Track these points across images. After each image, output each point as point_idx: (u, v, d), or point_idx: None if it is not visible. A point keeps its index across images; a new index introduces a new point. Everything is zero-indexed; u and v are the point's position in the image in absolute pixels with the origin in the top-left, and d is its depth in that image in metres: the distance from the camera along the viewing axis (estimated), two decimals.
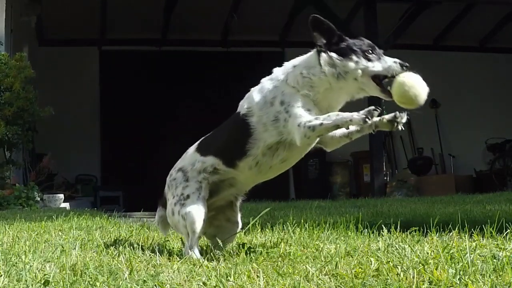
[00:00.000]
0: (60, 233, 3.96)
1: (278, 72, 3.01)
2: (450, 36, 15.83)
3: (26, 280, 2.22)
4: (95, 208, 9.57)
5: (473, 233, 3.03)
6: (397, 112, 2.87)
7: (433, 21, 14.45)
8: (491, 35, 15.94)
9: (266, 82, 3.02)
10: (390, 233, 3.34)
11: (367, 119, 2.71)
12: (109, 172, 14.38)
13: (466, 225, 3.27)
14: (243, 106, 3.01)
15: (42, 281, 2.20)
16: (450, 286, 2.00)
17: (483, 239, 2.94)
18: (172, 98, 14.71)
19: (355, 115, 2.73)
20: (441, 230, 3.25)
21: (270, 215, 4.87)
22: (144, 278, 2.21)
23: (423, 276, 2.12)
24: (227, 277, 2.24)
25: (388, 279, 2.12)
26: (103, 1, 13.19)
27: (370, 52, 2.89)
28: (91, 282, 2.20)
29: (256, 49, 15.18)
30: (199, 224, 2.85)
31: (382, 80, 2.88)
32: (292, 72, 2.93)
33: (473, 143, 14.93)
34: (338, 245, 2.97)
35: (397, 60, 2.93)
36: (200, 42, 14.90)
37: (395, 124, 2.86)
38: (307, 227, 3.69)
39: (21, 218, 5.09)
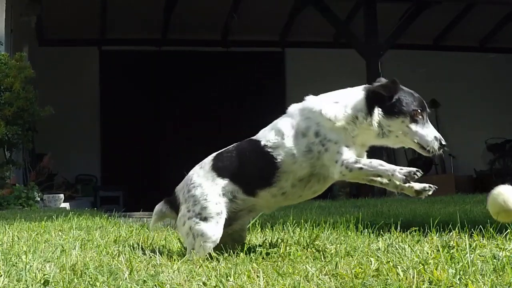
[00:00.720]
0: (60, 233, 3.95)
1: (312, 104, 2.91)
2: (450, 36, 15.83)
3: (26, 280, 2.22)
4: (95, 208, 9.57)
5: (473, 233, 3.03)
6: (428, 185, 2.84)
7: (433, 21, 14.45)
8: (491, 35, 15.94)
9: (296, 113, 2.92)
10: (390, 233, 3.34)
11: (407, 180, 2.70)
12: (109, 172, 14.38)
13: (466, 225, 3.27)
14: (267, 138, 2.90)
15: (42, 281, 2.20)
16: (450, 286, 2.00)
17: (483, 239, 2.94)
18: (172, 98, 14.72)
19: (398, 171, 2.71)
20: (441, 230, 3.25)
21: (270, 215, 4.86)
22: (144, 278, 2.21)
23: (423, 276, 2.12)
24: (227, 277, 2.24)
25: (388, 279, 2.12)
26: (103, 1, 13.19)
27: (419, 113, 2.84)
28: (91, 282, 2.20)
29: (256, 49, 15.18)
30: (208, 247, 2.82)
31: None
32: (332, 106, 2.85)
33: (473, 143, 14.92)
34: (338, 245, 2.97)
35: (438, 136, 2.83)
36: (200, 42, 14.90)
37: (421, 195, 2.83)
38: (307, 227, 3.69)
39: (21, 218, 5.09)
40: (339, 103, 2.86)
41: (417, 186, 2.82)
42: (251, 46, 15.14)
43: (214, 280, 2.18)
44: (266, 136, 2.91)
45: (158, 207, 3.11)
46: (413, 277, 2.09)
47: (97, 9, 13.42)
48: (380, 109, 2.83)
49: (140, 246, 3.14)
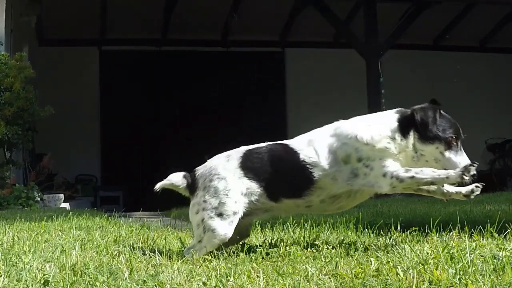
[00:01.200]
0: (60, 233, 3.95)
1: (346, 129, 2.87)
2: (450, 36, 15.83)
3: (26, 280, 2.22)
4: (95, 208, 9.57)
5: (473, 233, 3.03)
6: (475, 185, 2.86)
7: (433, 21, 14.45)
8: (491, 35, 15.94)
9: (332, 136, 2.87)
10: (390, 233, 3.34)
11: (464, 175, 2.71)
12: (109, 172, 14.38)
13: (466, 225, 3.27)
14: (305, 152, 2.85)
15: (42, 281, 2.20)
16: (450, 286, 2.00)
17: (483, 239, 2.94)
18: (172, 98, 14.72)
19: (452, 172, 2.72)
20: (441, 230, 3.25)
21: (270, 215, 4.86)
22: (144, 278, 2.21)
23: (423, 276, 2.12)
24: (227, 277, 2.24)
25: (388, 279, 2.12)
26: (103, 1, 13.19)
27: (454, 140, 2.83)
28: (91, 282, 2.20)
29: (256, 49, 15.18)
30: (216, 244, 2.82)
31: None
32: (366, 129, 2.83)
33: (473, 143, 14.89)
34: (338, 245, 2.97)
35: (469, 164, 2.80)
36: (200, 42, 14.91)
37: (470, 196, 2.86)
38: (307, 227, 3.69)
39: (21, 218, 5.09)
40: (372, 126, 2.85)
41: (464, 190, 2.83)
42: (251, 46, 15.14)
43: (214, 280, 2.18)
44: (304, 150, 2.86)
45: (175, 177, 3.00)
46: (413, 277, 2.09)
47: (97, 9, 13.42)
48: (416, 133, 2.82)
49: (140, 246, 3.14)
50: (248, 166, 2.88)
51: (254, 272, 2.29)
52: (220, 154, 3.02)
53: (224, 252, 2.88)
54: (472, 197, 2.85)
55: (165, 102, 14.79)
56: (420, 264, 2.30)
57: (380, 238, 3.23)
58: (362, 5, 12.02)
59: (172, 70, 14.82)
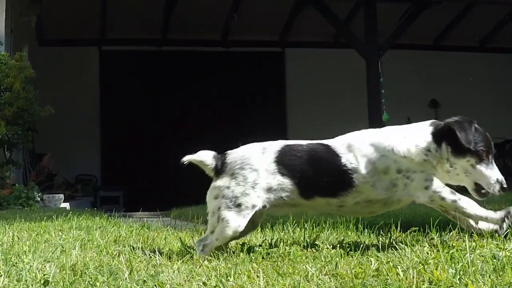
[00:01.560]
0: (60, 233, 3.95)
1: (382, 141, 2.89)
2: (450, 36, 15.83)
3: (26, 280, 2.22)
4: (95, 208, 9.57)
5: (473, 233, 3.03)
6: (506, 212, 2.88)
7: (433, 21, 14.45)
8: (491, 35, 15.94)
9: (370, 146, 2.87)
10: (390, 233, 3.34)
11: (505, 220, 2.77)
12: (109, 172, 14.38)
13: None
14: (347, 157, 2.86)
15: (42, 281, 2.20)
16: (450, 286, 2.00)
17: (483, 239, 2.94)
18: (172, 98, 14.72)
19: (493, 214, 2.79)
20: (441, 230, 3.25)
21: (270, 215, 4.86)
22: (144, 278, 2.21)
23: (423, 276, 2.12)
24: (227, 277, 2.24)
25: (388, 279, 2.12)
26: (103, 1, 13.19)
27: (486, 154, 2.85)
28: (91, 282, 2.20)
29: (256, 49, 15.18)
30: (228, 236, 2.83)
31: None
32: (401, 142, 2.86)
33: None
34: (338, 245, 2.97)
35: (500, 178, 2.85)
36: (200, 42, 14.91)
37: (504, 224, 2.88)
38: (307, 227, 3.69)
39: (21, 218, 5.09)
40: (408, 139, 2.88)
41: (498, 230, 2.88)
42: (251, 46, 15.14)
43: (214, 280, 2.18)
44: (345, 155, 2.87)
45: (205, 155, 2.97)
46: (413, 277, 2.09)
47: (97, 9, 13.42)
48: (449, 146, 2.85)
49: (140, 246, 3.14)
50: (284, 162, 2.87)
51: (254, 272, 2.29)
52: (255, 144, 3.00)
53: (225, 251, 2.88)
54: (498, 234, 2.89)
55: (165, 102, 14.79)
56: (420, 264, 2.30)
57: (380, 238, 3.23)
58: (362, 5, 12.02)
59: (172, 70, 14.82)
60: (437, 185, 2.81)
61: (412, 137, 2.87)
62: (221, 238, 2.82)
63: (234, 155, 2.93)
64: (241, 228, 2.82)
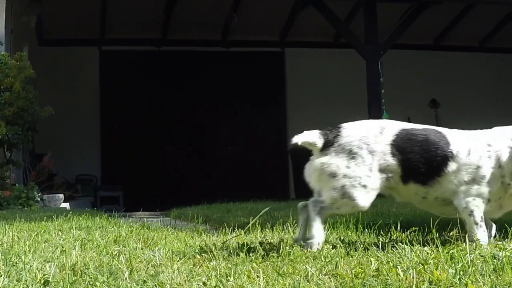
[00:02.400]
0: (60, 233, 3.95)
1: (490, 139, 2.95)
2: (450, 36, 15.83)
3: (26, 280, 2.22)
4: (95, 208, 9.56)
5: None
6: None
7: (433, 21, 14.44)
8: (491, 35, 15.94)
9: (480, 147, 2.93)
10: (390, 233, 3.34)
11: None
12: (109, 172, 14.38)
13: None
14: (459, 149, 2.90)
15: (42, 281, 2.20)
16: (450, 286, 2.00)
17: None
18: (172, 98, 14.71)
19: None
20: (441, 230, 3.25)
21: (270, 215, 4.86)
22: (144, 278, 2.21)
23: (423, 276, 2.12)
24: (227, 277, 2.24)
25: (388, 279, 2.12)
26: (103, 1, 13.19)
27: None
28: (91, 282, 2.20)
29: (256, 49, 15.17)
30: (349, 212, 2.91)
31: None
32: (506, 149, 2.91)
33: None
34: (338, 245, 2.97)
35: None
36: (200, 42, 14.90)
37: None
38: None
39: (21, 218, 5.09)
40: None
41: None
42: (251, 46, 15.13)
43: (214, 280, 2.18)
44: (458, 147, 2.90)
45: (312, 136, 2.94)
46: (413, 277, 2.09)
47: (97, 9, 13.42)
48: None
49: (140, 246, 3.14)
50: (399, 145, 2.89)
51: (254, 272, 2.29)
52: (371, 122, 3.02)
53: (224, 252, 2.87)
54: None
55: (165, 102, 14.78)
56: (420, 264, 2.30)
57: (380, 238, 3.23)
58: (362, 5, 12.02)
59: (172, 70, 14.82)
60: (478, 202, 2.88)
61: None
62: (343, 211, 2.90)
63: (350, 132, 2.93)
64: (366, 208, 2.89)
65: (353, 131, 2.93)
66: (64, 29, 14.06)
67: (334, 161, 2.88)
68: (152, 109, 14.76)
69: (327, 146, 2.91)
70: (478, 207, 2.85)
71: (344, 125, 2.98)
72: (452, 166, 2.86)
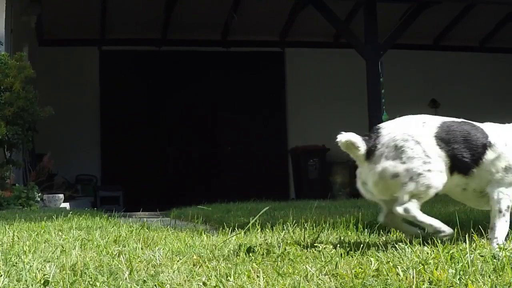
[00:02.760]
0: (60, 233, 3.95)
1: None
2: (450, 36, 15.83)
3: (26, 280, 2.22)
4: (95, 208, 9.56)
5: (473, 233, 3.03)
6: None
7: (433, 21, 14.44)
8: (491, 35, 15.94)
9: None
10: (390, 233, 3.34)
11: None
12: (109, 172, 14.38)
13: (466, 225, 3.27)
14: (496, 138, 2.99)
15: (42, 281, 2.20)
16: (450, 286, 2.00)
17: (483, 239, 2.94)
18: (172, 98, 14.72)
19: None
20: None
21: (270, 215, 4.86)
22: (144, 278, 2.21)
23: (423, 276, 2.12)
24: (227, 277, 2.24)
25: (388, 279, 2.12)
26: (103, 1, 13.19)
27: None
28: (91, 282, 2.20)
29: (256, 49, 15.17)
30: (430, 196, 2.92)
31: None
32: None
33: None
34: (338, 245, 2.97)
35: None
36: (200, 42, 14.90)
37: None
38: (307, 227, 3.69)
39: (21, 218, 5.09)
40: None
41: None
42: (251, 46, 15.13)
43: (214, 280, 2.18)
44: (495, 138, 2.99)
45: (357, 137, 2.92)
46: (413, 277, 2.09)
47: (97, 9, 13.42)
48: None
49: (140, 246, 3.14)
50: (442, 138, 2.95)
51: (254, 272, 2.29)
52: (409, 117, 3.05)
53: (225, 252, 2.87)
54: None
55: (165, 102, 14.78)
56: (420, 264, 2.30)
57: (380, 238, 3.23)
58: (362, 5, 12.02)
59: (172, 70, 14.82)
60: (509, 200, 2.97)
61: None
62: (424, 198, 2.93)
63: (390, 130, 2.96)
64: (441, 187, 2.93)
65: (393, 128, 2.96)
66: (64, 29, 14.05)
67: (386, 164, 2.90)
68: (152, 109, 14.76)
69: (372, 151, 2.91)
70: (507, 196, 2.91)
71: (380, 125, 3.01)
72: (490, 156, 2.94)
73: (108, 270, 2.38)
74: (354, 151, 2.92)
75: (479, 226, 3.16)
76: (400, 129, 2.94)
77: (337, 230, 3.59)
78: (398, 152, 2.88)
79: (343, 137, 2.89)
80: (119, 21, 13.99)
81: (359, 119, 12.61)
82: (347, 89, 14.36)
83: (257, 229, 3.78)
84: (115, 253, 2.90)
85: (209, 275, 2.27)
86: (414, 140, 2.89)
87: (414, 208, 2.90)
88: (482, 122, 3.21)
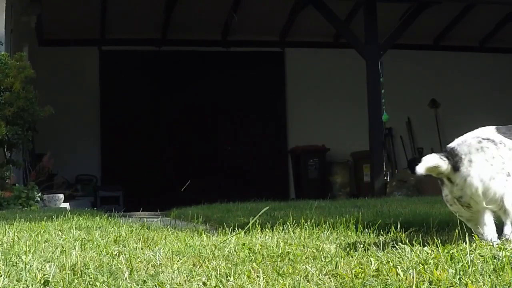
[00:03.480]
0: (60, 233, 3.95)
1: None
2: (450, 36, 15.83)
3: (26, 280, 2.22)
4: (95, 208, 9.56)
5: (473, 233, 3.03)
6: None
7: (433, 21, 14.45)
8: (491, 35, 15.94)
9: None
10: (390, 233, 3.34)
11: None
12: (109, 172, 14.38)
13: (466, 225, 3.26)
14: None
15: (42, 281, 2.20)
16: (450, 286, 2.00)
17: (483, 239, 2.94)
18: (172, 98, 14.72)
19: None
20: (441, 230, 3.25)
21: (270, 215, 4.86)
22: (144, 278, 2.21)
23: (423, 276, 2.12)
24: (227, 277, 2.24)
25: (388, 279, 2.12)
26: (103, 1, 13.19)
27: None
28: (91, 282, 2.20)
29: (256, 49, 15.18)
30: None
31: None
32: None
33: None
34: (338, 245, 2.97)
35: None
36: (200, 42, 14.91)
37: None
38: (307, 227, 3.69)
39: (21, 218, 5.08)
40: None
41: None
42: (251, 46, 15.14)
43: (214, 280, 2.18)
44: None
45: (437, 159, 2.82)
46: (413, 277, 2.09)
47: (97, 9, 13.42)
48: None
49: (140, 246, 3.14)
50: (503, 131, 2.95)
51: (254, 272, 2.29)
52: (470, 134, 3.00)
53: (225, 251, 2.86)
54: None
55: (165, 102, 14.78)
56: (420, 264, 2.30)
57: (380, 238, 3.23)
58: (362, 5, 12.03)
59: (172, 70, 14.82)
60: None
61: None
62: None
63: (461, 139, 2.95)
64: None
65: (464, 138, 2.95)
66: (64, 29, 14.06)
67: (473, 172, 2.82)
68: (152, 109, 14.76)
69: (457, 164, 2.84)
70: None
71: (452, 145, 2.96)
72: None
73: (108, 270, 2.38)
74: (437, 172, 2.85)
75: None
76: (469, 136, 2.95)
77: (337, 230, 3.59)
78: (479, 153, 2.83)
79: (422, 167, 2.81)
80: (119, 21, 13.99)
81: (359, 119, 12.61)
82: (347, 89, 14.36)
83: (257, 229, 3.78)
84: (115, 253, 2.90)
85: (209, 275, 2.27)
86: (489, 140, 2.87)
87: None
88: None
